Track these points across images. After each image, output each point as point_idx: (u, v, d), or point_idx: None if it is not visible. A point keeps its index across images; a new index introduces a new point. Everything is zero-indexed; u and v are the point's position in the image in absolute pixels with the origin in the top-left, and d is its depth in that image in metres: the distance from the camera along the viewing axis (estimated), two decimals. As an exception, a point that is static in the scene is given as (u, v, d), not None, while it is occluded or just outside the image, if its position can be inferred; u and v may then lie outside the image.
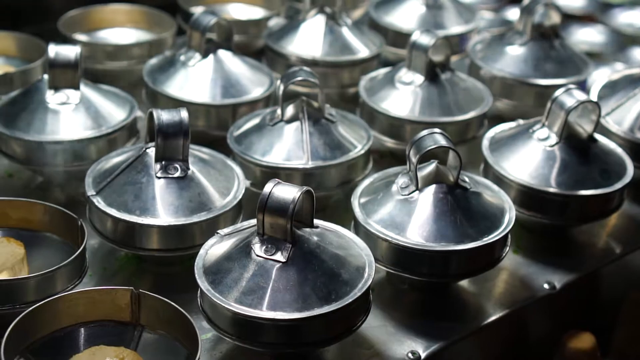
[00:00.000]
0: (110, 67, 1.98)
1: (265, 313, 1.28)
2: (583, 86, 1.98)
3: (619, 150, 1.73)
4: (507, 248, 1.53)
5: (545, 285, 1.61)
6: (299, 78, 1.64)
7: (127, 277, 1.55)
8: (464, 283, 1.58)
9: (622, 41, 2.45)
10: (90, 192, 1.50)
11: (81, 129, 1.65)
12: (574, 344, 1.63)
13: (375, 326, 1.48)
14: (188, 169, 1.50)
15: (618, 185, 1.65)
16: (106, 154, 1.62)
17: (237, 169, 1.59)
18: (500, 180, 1.64)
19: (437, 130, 1.52)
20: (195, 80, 1.80)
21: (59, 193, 1.72)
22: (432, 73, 1.81)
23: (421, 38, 1.81)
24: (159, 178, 1.49)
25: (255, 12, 2.27)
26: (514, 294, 1.59)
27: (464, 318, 1.52)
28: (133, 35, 2.13)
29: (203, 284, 1.33)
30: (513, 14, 2.57)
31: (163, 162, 1.50)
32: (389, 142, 1.81)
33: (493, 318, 1.53)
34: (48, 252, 1.48)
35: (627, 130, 1.83)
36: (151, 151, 1.51)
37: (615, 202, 1.67)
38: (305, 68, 1.68)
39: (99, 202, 1.48)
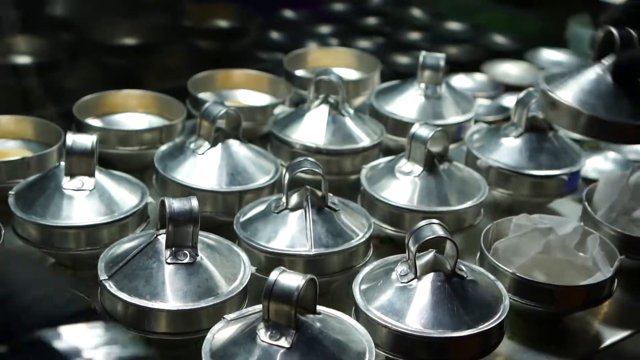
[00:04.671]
0: (122, 152, 2.06)
1: (269, 397, 1.33)
2: (577, 176, 2.05)
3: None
4: (503, 335, 1.59)
5: (539, 372, 1.67)
6: (304, 168, 1.71)
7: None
8: (460, 369, 1.63)
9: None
10: (103, 276, 1.56)
11: (95, 215, 1.72)
12: None
13: (374, 411, 1.52)
14: (197, 255, 1.57)
15: (607, 275, 1.71)
16: (118, 238, 1.68)
17: (243, 255, 1.65)
18: (495, 269, 1.70)
19: (435, 220, 1.59)
20: (203, 168, 1.87)
21: (70, 275, 1.78)
22: (431, 163, 1.89)
23: (420, 130, 1.88)
24: (169, 264, 1.55)
25: (262, 98, 2.35)
26: (509, 380, 1.64)
27: (460, 403, 1.57)
28: (144, 119, 2.21)
29: (210, 368, 1.38)
30: (509, 101, 2.65)
31: (173, 249, 1.56)
32: (389, 229, 1.87)
33: (489, 404, 1.58)
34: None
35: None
36: (162, 238, 1.57)
37: (605, 291, 1.73)
38: (310, 158, 1.75)
39: (111, 287, 1.54)
